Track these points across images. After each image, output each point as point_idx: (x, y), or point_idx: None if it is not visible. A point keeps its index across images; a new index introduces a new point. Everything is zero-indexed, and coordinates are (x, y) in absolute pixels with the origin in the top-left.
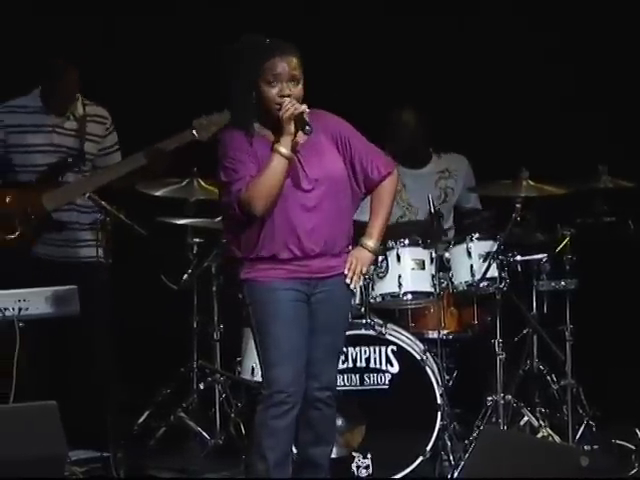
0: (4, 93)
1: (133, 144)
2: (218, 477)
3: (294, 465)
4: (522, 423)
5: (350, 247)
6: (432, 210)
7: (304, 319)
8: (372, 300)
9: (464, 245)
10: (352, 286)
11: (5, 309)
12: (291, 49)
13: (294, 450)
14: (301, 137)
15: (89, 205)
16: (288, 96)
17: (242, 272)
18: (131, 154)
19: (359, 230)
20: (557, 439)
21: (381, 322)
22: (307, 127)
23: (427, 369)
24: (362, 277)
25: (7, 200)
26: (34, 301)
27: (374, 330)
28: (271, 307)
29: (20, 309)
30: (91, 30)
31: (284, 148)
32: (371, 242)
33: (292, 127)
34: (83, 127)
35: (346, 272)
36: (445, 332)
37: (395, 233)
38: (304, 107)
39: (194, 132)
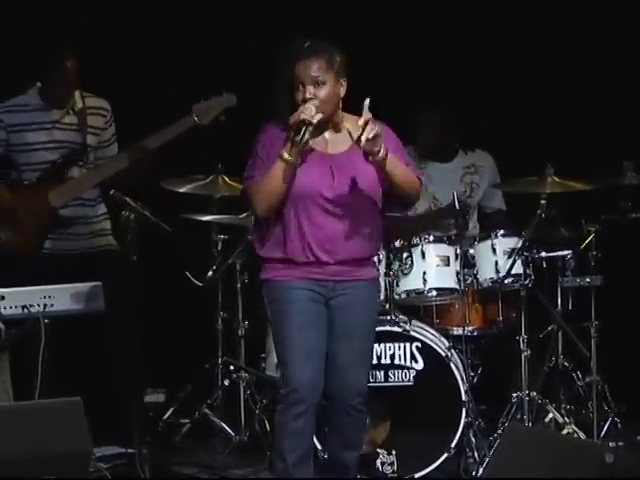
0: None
1: (136, 134)
2: (242, 473)
3: (323, 466)
4: (547, 420)
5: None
6: (457, 207)
7: (321, 319)
8: (397, 296)
9: (489, 241)
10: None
11: (30, 305)
12: (322, 50)
13: (319, 447)
14: (331, 146)
15: (94, 198)
16: (309, 100)
17: (261, 272)
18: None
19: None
20: (582, 436)
21: (406, 319)
22: (299, 139)
23: (452, 366)
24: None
25: (14, 199)
26: (59, 297)
27: (399, 327)
28: (286, 306)
29: (45, 305)
30: (90, 22)
31: (286, 153)
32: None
33: (299, 133)
34: (84, 120)
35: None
36: (470, 329)
37: (420, 224)
38: (312, 117)
39: (195, 117)
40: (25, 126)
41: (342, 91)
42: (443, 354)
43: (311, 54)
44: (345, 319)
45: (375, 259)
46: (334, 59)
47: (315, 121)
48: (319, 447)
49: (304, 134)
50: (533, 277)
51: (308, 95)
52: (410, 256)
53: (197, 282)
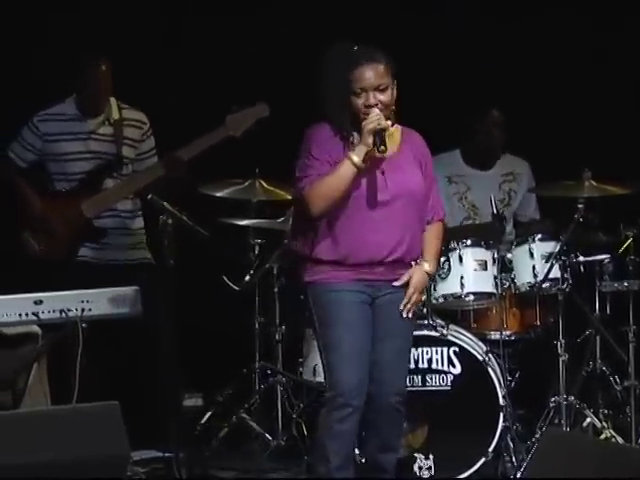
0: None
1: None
2: (279, 477)
3: (360, 470)
4: (585, 424)
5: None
6: (494, 211)
7: (368, 322)
8: (434, 301)
9: (526, 246)
10: (404, 315)
11: (68, 310)
12: (377, 55)
13: (357, 452)
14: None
15: (131, 209)
16: (375, 105)
17: (306, 274)
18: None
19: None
20: (620, 440)
21: (443, 323)
22: (382, 147)
23: (489, 370)
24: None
25: (47, 209)
26: (97, 302)
27: (436, 331)
28: (334, 309)
29: (83, 310)
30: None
31: (356, 157)
32: (428, 266)
33: (370, 140)
34: (120, 131)
35: (404, 302)
36: (507, 333)
37: (458, 236)
38: (387, 124)
39: (228, 128)
40: (60, 135)
41: (395, 93)
42: (481, 358)
43: (370, 60)
44: (388, 318)
45: None
46: (389, 62)
47: (388, 126)
48: (357, 451)
49: (383, 142)
50: (571, 281)
51: (373, 101)
52: (448, 260)
53: (234, 286)
